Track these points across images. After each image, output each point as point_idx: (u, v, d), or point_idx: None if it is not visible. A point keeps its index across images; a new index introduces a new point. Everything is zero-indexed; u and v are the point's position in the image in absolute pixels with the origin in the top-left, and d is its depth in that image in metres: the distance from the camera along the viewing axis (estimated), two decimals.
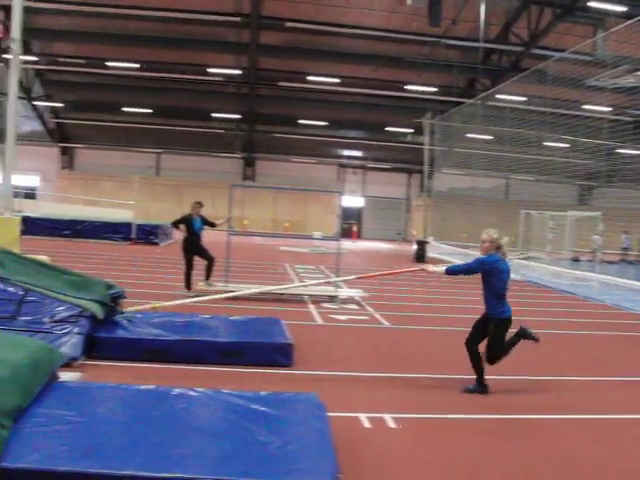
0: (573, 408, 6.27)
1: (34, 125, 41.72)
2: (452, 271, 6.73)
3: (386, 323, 10.47)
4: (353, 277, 8.94)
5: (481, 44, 30.87)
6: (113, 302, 7.23)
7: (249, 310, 10.32)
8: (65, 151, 44.82)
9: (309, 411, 4.59)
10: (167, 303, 8.44)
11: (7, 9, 32.29)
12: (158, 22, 31.84)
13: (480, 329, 6.56)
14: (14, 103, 9.17)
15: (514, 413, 5.94)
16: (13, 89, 9.07)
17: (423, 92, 36.25)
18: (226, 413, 4.40)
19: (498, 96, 28.42)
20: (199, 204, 11.61)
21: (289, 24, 31.29)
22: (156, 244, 24.60)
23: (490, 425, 5.60)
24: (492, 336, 6.47)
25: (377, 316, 11.01)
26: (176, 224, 11.64)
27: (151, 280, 13.65)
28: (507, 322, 6.50)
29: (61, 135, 43.65)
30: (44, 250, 14.26)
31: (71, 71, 36.23)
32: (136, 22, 32.09)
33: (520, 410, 6.03)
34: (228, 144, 43.17)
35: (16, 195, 32.23)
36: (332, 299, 12.21)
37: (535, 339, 6.77)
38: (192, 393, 4.74)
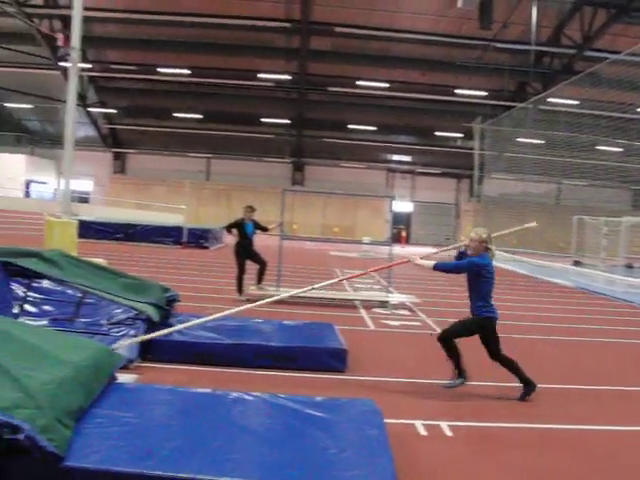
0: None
1: (88, 131, 42.60)
2: (440, 268, 6.54)
3: (438, 329, 10.34)
4: (337, 280, 8.53)
5: (532, 47, 30.46)
6: (168, 305, 7.30)
7: (301, 315, 10.29)
8: (117, 156, 45.68)
9: (365, 417, 4.55)
10: (186, 324, 8.45)
11: (64, 19, 33.21)
12: (209, 29, 32.29)
13: (462, 326, 6.47)
14: (73, 110, 9.34)
15: (576, 423, 5.78)
16: (72, 96, 9.25)
17: (473, 96, 35.94)
18: (282, 418, 4.39)
19: (550, 100, 27.99)
20: (251, 209, 11.65)
21: (339, 29, 31.38)
22: (207, 248, 24.84)
23: (553, 436, 5.46)
24: (485, 341, 6.33)
25: (429, 322, 10.89)
26: (229, 228, 11.70)
27: (203, 284, 13.74)
28: (492, 323, 6.33)
29: (114, 140, 44.49)
30: (98, 253, 14.51)
31: (124, 78, 36.95)
32: (187, 29, 32.59)
33: (583, 420, 5.87)
34: (277, 149, 43.45)
35: (71, 199, 33.07)
36: (383, 304, 12.13)
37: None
38: (248, 397, 4.73)
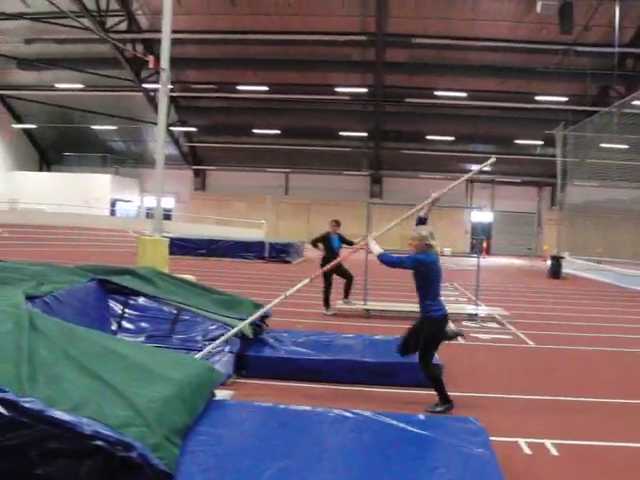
0: None
1: (169, 149, 43.58)
2: (384, 259, 6.38)
3: (531, 343, 10.06)
4: (307, 280, 7.80)
5: (616, 49, 29.52)
6: (260, 321, 7.33)
7: (387, 329, 10.15)
8: (198, 173, 46.64)
9: (471, 436, 4.41)
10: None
11: (146, 42, 34.30)
12: (285, 45, 32.68)
13: (414, 334, 6.23)
14: (164, 130, 9.56)
15: None
16: (162, 116, 9.46)
17: (553, 102, 35.10)
18: (387, 437, 4.30)
19: (635, 102, 27.03)
20: (337, 223, 11.65)
21: (415, 40, 31.17)
22: (288, 262, 24.98)
23: None
24: (425, 337, 6.10)
25: (520, 335, 10.61)
26: (315, 243, 11.72)
27: (292, 298, 13.76)
28: (442, 322, 6.15)
29: (194, 158, 45.42)
30: (185, 269, 14.73)
31: (203, 97, 37.73)
32: (264, 46, 33.06)
33: None
34: (355, 162, 43.46)
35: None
36: (472, 317, 11.90)
37: (457, 335, 6.69)
38: (349, 415, 4.66)
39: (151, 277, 7.32)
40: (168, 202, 44.53)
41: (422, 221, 6.80)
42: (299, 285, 6.78)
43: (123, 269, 7.40)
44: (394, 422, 4.53)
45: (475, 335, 10.41)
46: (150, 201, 45.88)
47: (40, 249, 26.38)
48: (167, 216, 40.99)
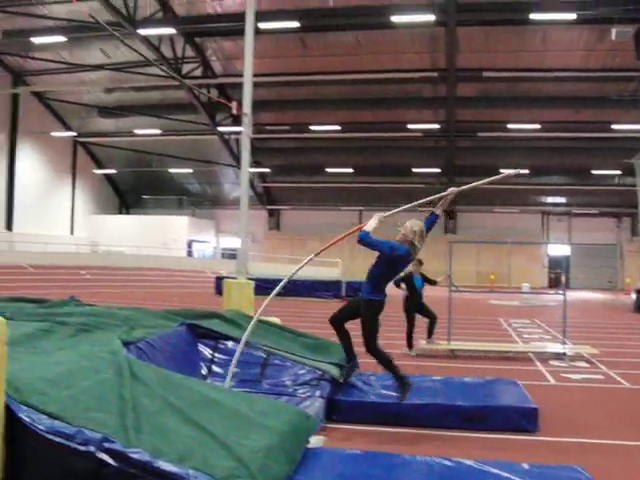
0: None
1: None
2: (364, 237, 6.42)
3: (626, 383, 9.62)
4: (308, 259, 7.43)
5: None
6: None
7: (474, 370, 9.93)
8: (272, 213, 47.25)
9: None
10: None
11: (220, 87, 35.25)
12: (357, 84, 33.00)
13: (349, 305, 6.46)
14: (247, 172, 9.68)
15: None
16: (246, 161, 9.60)
17: (631, 130, 34.19)
18: None
19: None
20: (419, 262, 11.51)
21: (486, 74, 31.01)
22: None
23: None
24: (363, 320, 6.23)
25: (612, 374, 10.18)
26: (397, 282, 11.60)
27: None
28: (377, 304, 6.24)
29: (268, 198, 46.04)
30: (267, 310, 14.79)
31: (277, 138, 38.33)
32: (335, 86, 33.48)
33: None
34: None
35: (233, 257, 34.41)
36: (559, 356, 11.52)
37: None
38: (448, 462, 4.53)
39: (239, 320, 7.35)
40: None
41: (434, 217, 6.96)
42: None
43: (211, 312, 7.47)
44: (496, 470, 4.37)
45: (565, 375, 10.05)
46: (226, 242, 46.66)
47: (121, 290, 27.08)
48: (233, 255, 41.56)
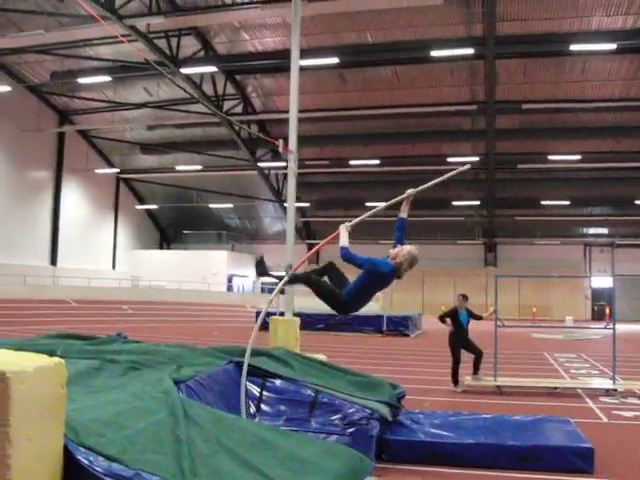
0: None
1: (283, 225, 44.69)
2: (345, 254, 6.42)
3: None
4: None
5: None
6: (398, 402, 7.17)
7: (522, 407, 9.74)
8: (311, 247, 47.28)
9: None
10: None
11: (260, 123, 35.72)
12: (395, 118, 33.16)
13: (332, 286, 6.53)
14: (293, 208, 9.75)
15: None
16: (292, 197, 9.68)
17: None
18: None
19: None
20: (464, 297, 11.41)
21: (525, 106, 30.90)
22: (407, 335, 24.64)
23: None
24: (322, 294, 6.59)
25: None
26: (443, 318, 11.50)
27: (413, 374, 13.50)
28: (345, 306, 6.51)
29: (307, 232, 46.20)
30: (305, 345, 14.76)
31: (317, 172, 38.57)
32: (374, 121, 33.69)
33: None
34: (468, 231, 43.02)
35: (273, 291, 34.52)
36: (610, 393, 11.24)
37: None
38: None
39: (286, 358, 7.33)
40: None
41: (402, 221, 6.95)
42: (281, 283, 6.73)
43: (257, 350, 7.45)
44: None
45: (617, 412, 9.79)
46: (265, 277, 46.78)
47: (162, 325, 27.27)
48: (281, 290, 41.56)
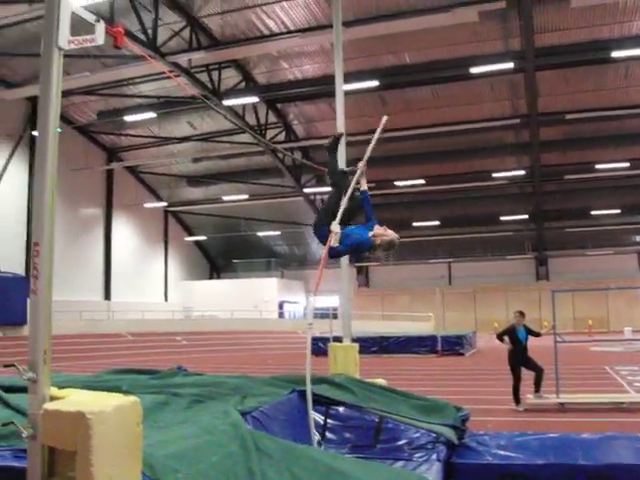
0: None
1: None
2: (335, 254, 6.47)
3: None
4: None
5: None
6: (463, 425, 7.11)
7: (588, 424, 9.56)
8: (360, 270, 47.32)
9: None
10: None
11: (303, 150, 36.00)
12: (438, 137, 33.09)
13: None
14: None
15: None
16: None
17: None
18: None
19: None
20: (521, 314, 11.29)
21: (569, 116, 30.55)
22: (462, 354, 24.38)
23: None
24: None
25: None
26: (500, 336, 11.38)
27: (472, 394, 13.35)
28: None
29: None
30: (368, 370, 14.72)
31: None
32: (417, 141, 33.69)
33: None
34: (518, 245, 42.58)
35: (324, 316, 34.53)
36: None
37: None
38: None
39: (347, 384, 7.32)
40: (332, 301, 45.26)
41: (365, 194, 6.79)
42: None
43: (318, 378, 7.47)
44: None
45: None
46: (317, 301, 46.90)
47: (216, 355, 27.46)
48: (334, 315, 41.63)
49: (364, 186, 6.89)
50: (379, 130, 7.05)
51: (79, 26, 3.93)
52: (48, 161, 3.49)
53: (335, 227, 6.48)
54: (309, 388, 6.25)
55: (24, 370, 3.56)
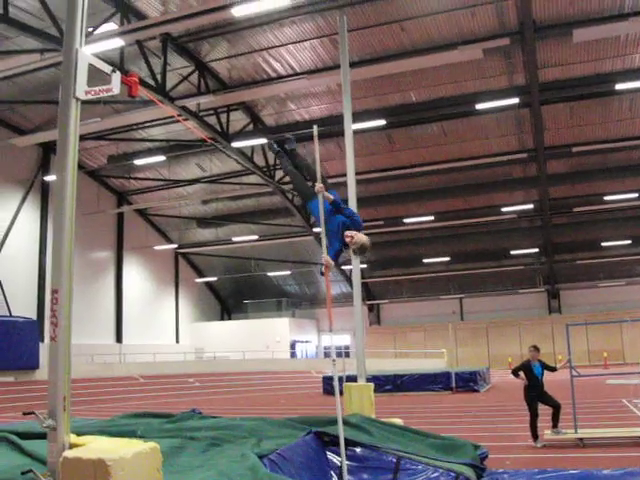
0: None
1: (342, 288, 44.84)
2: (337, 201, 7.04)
3: None
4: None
5: None
6: (481, 463, 7.05)
7: (607, 459, 9.36)
8: (371, 308, 47.20)
9: None
10: None
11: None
12: (445, 173, 33.23)
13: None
14: (358, 274, 9.89)
15: None
16: (356, 267, 9.79)
17: None
18: None
19: None
20: (536, 349, 11.21)
21: (575, 149, 30.65)
22: (477, 391, 24.13)
23: None
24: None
25: None
26: (516, 372, 11.29)
27: (489, 431, 13.21)
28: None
29: (367, 293, 46.13)
30: (384, 409, 14.62)
31: (372, 233, 38.71)
32: (425, 177, 33.84)
33: None
34: (529, 279, 42.50)
35: (337, 355, 34.38)
36: None
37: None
38: None
39: (363, 425, 7.30)
40: (344, 339, 45.14)
41: (338, 206, 7.22)
42: None
43: (334, 418, 7.44)
44: None
45: None
46: (328, 340, 46.75)
47: (229, 396, 27.31)
48: (346, 353, 41.50)
49: (330, 198, 7.19)
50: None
51: (90, 73, 4.02)
52: (66, 211, 3.57)
53: (327, 258, 6.96)
54: (341, 429, 6.22)
55: (44, 418, 3.58)
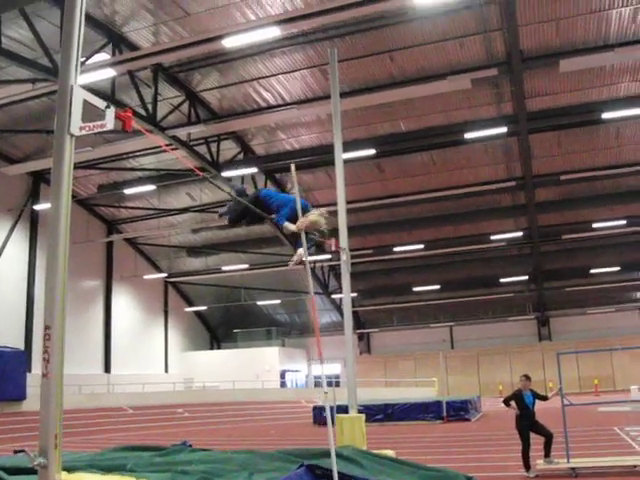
0: None
1: (332, 316, 44.79)
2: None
3: None
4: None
5: None
6: None
7: None
8: (361, 337, 47.07)
9: None
10: None
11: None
12: (435, 202, 33.37)
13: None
14: (349, 303, 9.88)
15: None
16: (347, 291, 9.79)
17: None
18: None
19: None
20: (527, 378, 11.19)
21: (564, 177, 30.90)
22: (468, 420, 24.00)
23: None
24: None
25: None
26: (507, 402, 11.27)
27: (481, 461, 13.11)
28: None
29: (357, 322, 46.03)
30: (374, 440, 14.51)
31: (362, 262, 38.79)
32: (415, 206, 33.99)
33: None
34: (519, 306, 42.57)
35: (329, 384, 34.19)
36: None
37: None
38: None
39: (355, 457, 7.23)
40: (334, 368, 44.87)
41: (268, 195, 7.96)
42: None
43: (326, 451, 7.38)
44: None
45: None
46: (318, 369, 46.55)
47: (219, 427, 27.09)
48: (336, 383, 41.28)
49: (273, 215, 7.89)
50: None
51: (84, 106, 4.03)
52: (59, 250, 3.56)
53: (300, 252, 7.65)
54: (334, 463, 6.17)
55: (34, 455, 3.53)
